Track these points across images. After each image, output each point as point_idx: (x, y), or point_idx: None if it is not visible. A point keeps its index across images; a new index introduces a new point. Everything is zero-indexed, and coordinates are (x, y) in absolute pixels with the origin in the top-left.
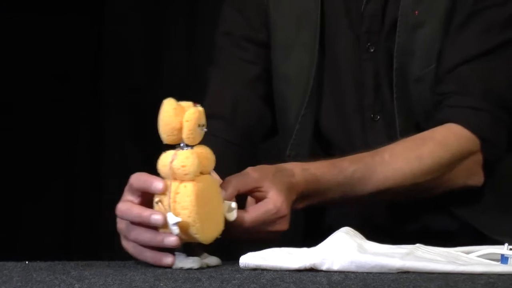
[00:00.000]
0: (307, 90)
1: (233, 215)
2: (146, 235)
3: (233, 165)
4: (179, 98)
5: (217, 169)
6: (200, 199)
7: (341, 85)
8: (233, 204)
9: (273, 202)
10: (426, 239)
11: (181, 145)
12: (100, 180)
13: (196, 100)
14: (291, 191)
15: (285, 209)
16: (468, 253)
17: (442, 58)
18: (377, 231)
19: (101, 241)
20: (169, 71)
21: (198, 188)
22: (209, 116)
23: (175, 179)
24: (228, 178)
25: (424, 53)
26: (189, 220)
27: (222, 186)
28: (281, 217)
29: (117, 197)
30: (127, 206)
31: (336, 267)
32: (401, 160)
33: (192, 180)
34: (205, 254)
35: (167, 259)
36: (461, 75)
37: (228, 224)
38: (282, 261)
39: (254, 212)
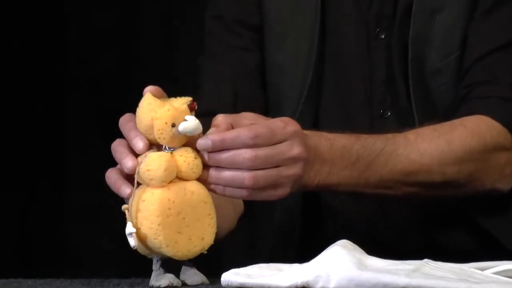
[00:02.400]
0: (306, 82)
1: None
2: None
3: None
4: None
5: None
6: (168, 209)
7: (345, 77)
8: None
9: (278, 119)
10: (435, 258)
11: (163, 146)
12: (62, 186)
13: (193, 95)
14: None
15: (295, 124)
16: (483, 269)
17: (468, 47)
18: (381, 247)
19: (63, 255)
20: (143, 63)
21: (166, 196)
22: (207, 113)
23: (147, 185)
24: (217, 115)
25: (443, 41)
26: (150, 232)
27: (212, 123)
28: (293, 134)
29: (81, 205)
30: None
31: (332, 285)
32: (428, 142)
33: (162, 186)
34: (190, 271)
35: (125, 190)
36: (490, 64)
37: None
38: (270, 279)
39: (256, 124)
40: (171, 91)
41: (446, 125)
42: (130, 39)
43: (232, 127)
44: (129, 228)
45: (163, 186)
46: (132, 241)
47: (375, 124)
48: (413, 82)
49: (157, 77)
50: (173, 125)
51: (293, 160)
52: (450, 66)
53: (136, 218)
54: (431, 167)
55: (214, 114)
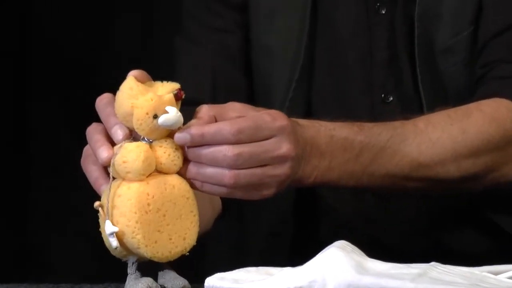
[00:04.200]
0: (296, 66)
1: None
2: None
3: None
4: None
5: None
6: (147, 205)
7: (341, 58)
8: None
9: (266, 112)
10: (443, 262)
11: (139, 137)
12: (26, 183)
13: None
14: (295, 126)
15: (284, 119)
16: (496, 273)
17: (483, 21)
18: (382, 248)
19: (28, 258)
20: (115, 45)
21: (144, 191)
22: (184, 102)
23: (123, 178)
24: (201, 106)
25: (454, 16)
26: (127, 230)
27: (195, 114)
28: (281, 130)
29: (47, 204)
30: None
31: None
32: (440, 130)
33: (140, 180)
34: (170, 274)
35: (101, 188)
36: (509, 41)
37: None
38: (259, 284)
39: (240, 118)
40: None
41: (461, 110)
42: (102, 18)
43: (216, 120)
44: (110, 227)
45: (141, 180)
46: (114, 242)
47: (376, 111)
48: (420, 62)
49: (131, 60)
50: (155, 116)
51: (281, 159)
52: (462, 44)
53: (112, 216)
54: (444, 159)
55: (191, 102)
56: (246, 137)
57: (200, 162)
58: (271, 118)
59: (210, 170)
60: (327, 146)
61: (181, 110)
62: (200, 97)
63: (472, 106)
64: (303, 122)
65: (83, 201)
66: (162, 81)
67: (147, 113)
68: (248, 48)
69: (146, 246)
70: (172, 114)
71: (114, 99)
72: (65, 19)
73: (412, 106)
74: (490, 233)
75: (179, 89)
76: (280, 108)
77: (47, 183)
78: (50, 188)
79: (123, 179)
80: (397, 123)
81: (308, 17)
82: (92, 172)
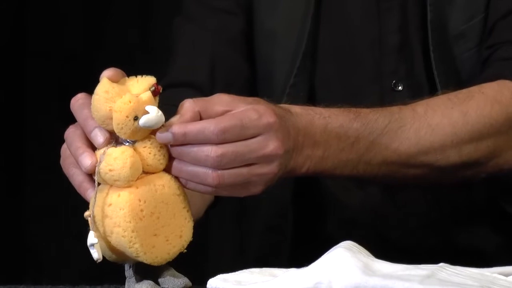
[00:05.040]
0: (299, 51)
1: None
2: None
3: None
4: (127, 67)
5: None
6: (140, 211)
7: (348, 44)
8: (149, 108)
9: (252, 108)
10: (453, 261)
11: (121, 139)
12: (21, 181)
13: (159, 74)
14: (285, 119)
15: (271, 115)
16: (507, 275)
17: (492, 3)
18: (390, 248)
19: (24, 259)
20: (112, 33)
21: (135, 197)
22: (181, 84)
23: (111, 185)
24: (184, 101)
25: (466, 2)
26: (124, 240)
27: (178, 109)
28: (268, 128)
29: (43, 204)
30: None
31: None
32: (440, 114)
33: (128, 186)
34: (169, 273)
35: (87, 193)
36: None
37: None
38: (263, 286)
39: (224, 116)
40: (145, 60)
41: (462, 93)
42: (99, 15)
43: (201, 115)
44: (91, 239)
45: (130, 186)
46: (95, 254)
47: (385, 99)
48: (434, 48)
49: (130, 59)
50: (135, 118)
51: (267, 158)
52: (475, 29)
53: (104, 226)
54: (444, 144)
55: (188, 85)
56: (231, 136)
57: (184, 160)
58: (257, 115)
59: (194, 169)
60: (321, 135)
61: (173, 92)
62: (198, 79)
63: (474, 89)
64: (296, 109)
65: (80, 201)
66: (136, 76)
67: (127, 116)
68: (251, 32)
69: (145, 253)
70: (153, 114)
71: (89, 99)
72: (61, 17)
73: (423, 94)
74: (502, 229)
75: (156, 84)
76: (281, 94)
77: (44, 183)
78: (47, 188)
79: (111, 185)
80: (395, 108)
81: (312, 1)
82: (76, 176)
